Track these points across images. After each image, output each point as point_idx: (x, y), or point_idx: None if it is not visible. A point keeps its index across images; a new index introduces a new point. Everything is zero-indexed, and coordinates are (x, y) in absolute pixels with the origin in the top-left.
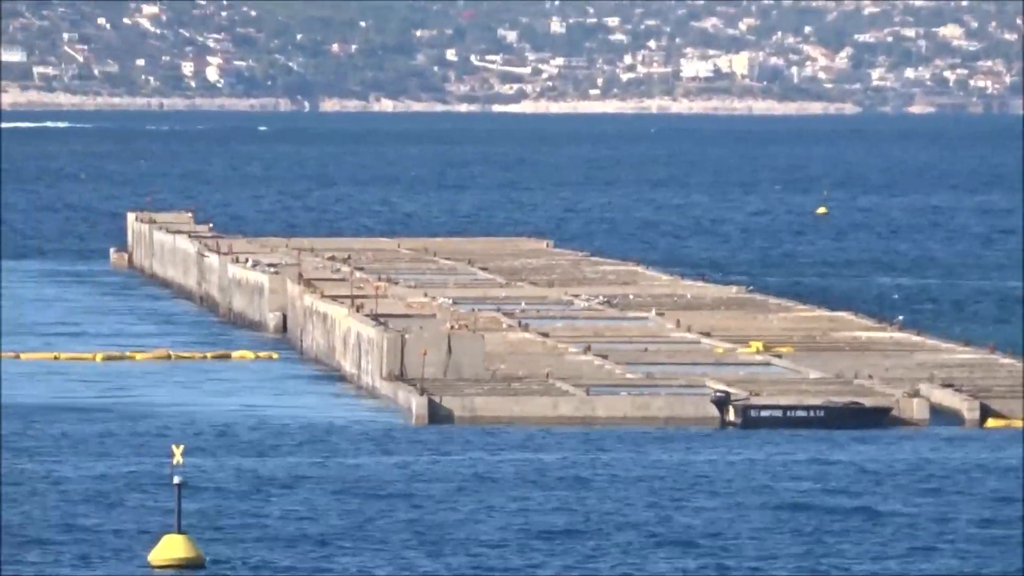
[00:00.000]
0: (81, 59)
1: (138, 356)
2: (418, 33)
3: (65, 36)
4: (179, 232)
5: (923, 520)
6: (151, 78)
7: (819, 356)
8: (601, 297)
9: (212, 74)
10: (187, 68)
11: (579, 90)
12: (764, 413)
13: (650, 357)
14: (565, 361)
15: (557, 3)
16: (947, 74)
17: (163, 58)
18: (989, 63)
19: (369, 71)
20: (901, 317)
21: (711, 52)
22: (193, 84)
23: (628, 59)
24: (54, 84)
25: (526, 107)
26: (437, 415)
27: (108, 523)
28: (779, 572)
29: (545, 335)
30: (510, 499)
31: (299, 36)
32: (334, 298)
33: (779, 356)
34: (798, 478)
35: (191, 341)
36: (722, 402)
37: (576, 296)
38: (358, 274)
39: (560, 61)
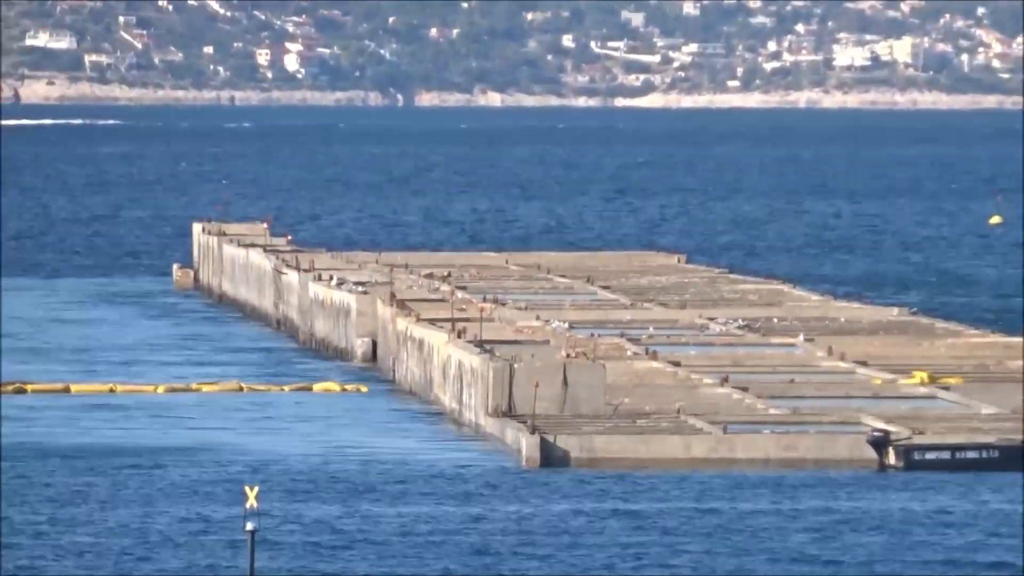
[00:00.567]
0: (139, 46)
1: (205, 388)
2: (529, 16)
3: (121, 20)
4: (253, 246)
5: None
6: (220, 68)
7: (993, 388)
8: (741, 320)
9: (291, 63)
10: (262, 57)
11: (715, 81)
12: (929, 455)
13: (797, 390)
14: (699, 394)
15: None
16: None
17: (234, 45)
18: None
19: (473, 60)
20: None
21: (868, 37)
22: (269, 75)
23: (773, 46)
24: (108, 75)
25: (654, 101)
26: (551, 457)
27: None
28: None
29: (676, 364)
30: (647, 556)
31: (392, 20)
32: (432, 322)
33: (947, 388)
34: (968, 529)
35: (266, 371)
36: (881, 442)
37: (712, 319)
38: (460, 294)
39: (694, 48)
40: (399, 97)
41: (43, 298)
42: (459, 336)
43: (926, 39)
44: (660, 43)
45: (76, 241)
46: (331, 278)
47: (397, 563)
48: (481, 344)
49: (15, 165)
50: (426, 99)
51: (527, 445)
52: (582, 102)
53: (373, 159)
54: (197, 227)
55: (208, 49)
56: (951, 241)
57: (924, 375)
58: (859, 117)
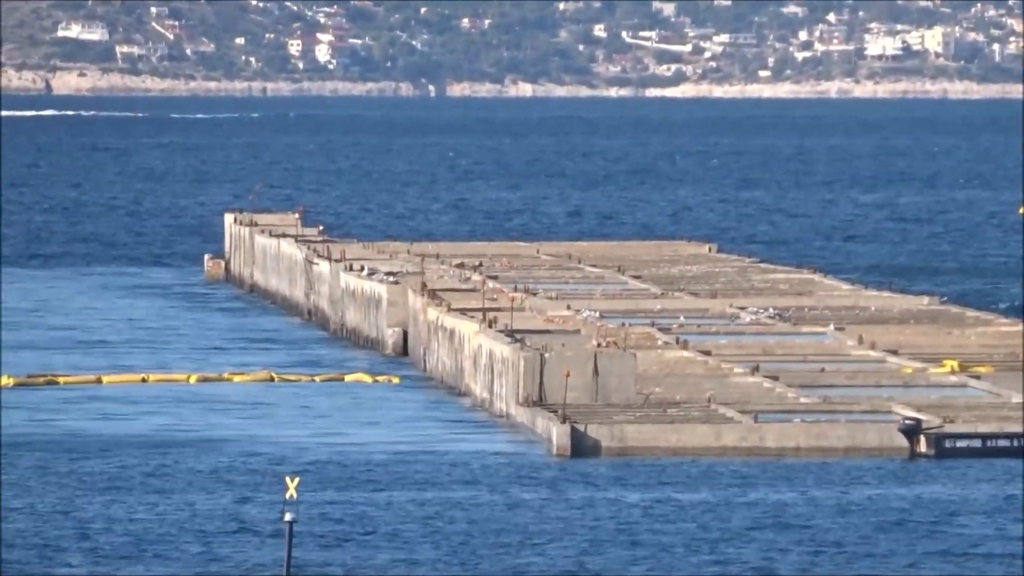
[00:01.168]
0: (171, 37)
1: (236, 378)
2: (561, 6)
3: (153, 11)
4: (284, 236)
5: None
6: (252, 59)
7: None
8: (771, 310)
9: (322, 54)
10: (294, 48)
11: (747, 71)
12: (961, 443)
13: (828, 379)
14: (730, 383)
15: None
16: None
17: (266, 36)
18: None
19: (504, 50)
20: None
21: (899, 27)
22: (301, 66)
23: (804, 35)
24: (140, 66)
25: (686, 91)
26: (581, 446)
27: (211, 566)
28: None
29: (707, 353)
30: (681, 549)
31: (423, 10)
32: (463, 312)
33: (977, 377)
34: (999, 516)
35: (297, 361)
36: (912, 430)
37: (743, 309)
38: (491, 284)
39: (725, 38)
40: (430, 88)
41: (75, 288)
42: (490, 326)
43: (957, 28)
44: (691, 33)
45: (107, 232)
46: (362, 268)
47: (428, 551)
48: (512, 334)
49: (45, 156)
50: (457, 89)
51: (558, 434)
52: (613, 92)
53: (406, 148)
54: (229, 217)
55: (240, 40)
56: (980, 230)
57: (954, 364)
58: (889, 107)
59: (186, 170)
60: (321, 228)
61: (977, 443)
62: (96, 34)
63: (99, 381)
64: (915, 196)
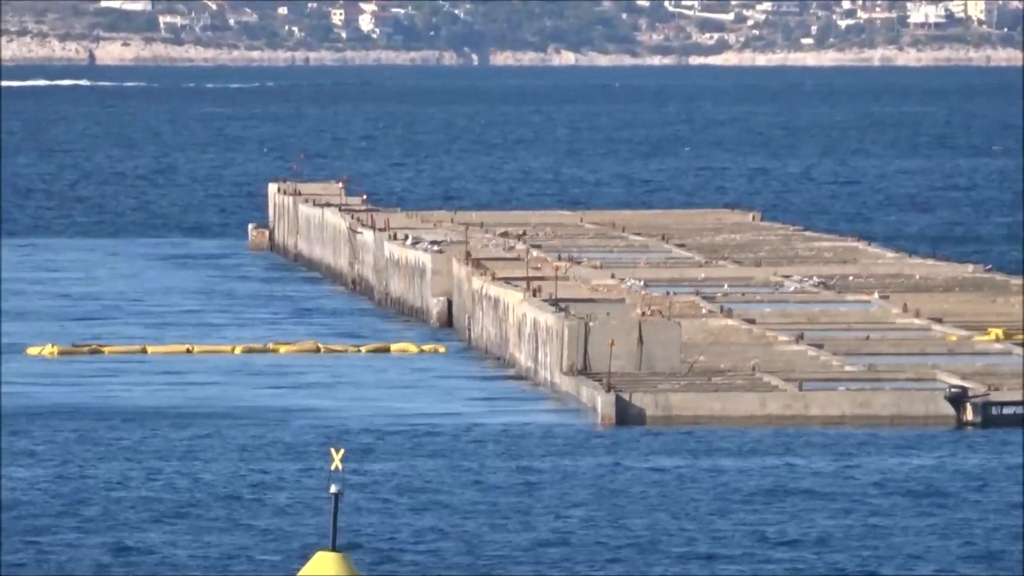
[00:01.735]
0: (214, 7)
1: (282, 349)
2: None
3: None
4: (328, 205)
5: None
6: (295, 29)
7: None
8: (816, 278)
9: (365, 23)
10: (336, 17)
11: (790, 39)
12: (1008, 410)
13: (872, 347)
14: (774, 352)
15: None
16: None
17: (309, 5)
18: None
19: (547, 19)
20: None
21: None
22: (344, 35)
23: (847, 3)
24: (183, 36)
25: (728, 59)
26: (626, 415)
27: (256, 538)
28: None
29: (751, 322)
30: (723, 512)
31: None
32: (507, 280)
33: (1021, 344)
34: None
35: (342, 331)
36: (958, 398)
37: (787, 277)
38: (535, 252)
39: (768, 6)
40: (474, 57)
41: (118, 258)
42: (534, 295)
43: None
44: (734, 1)
45: (150, 202)
46: (406, 237)
47: (475, 521)
48: (556, 303)
49: (83, 125)
50: (500, 59)
51: (603, 403)
52: (656, 61)
53: (451, 117)
54: (272, 187)
55: (282, 9)
56: None
57: (999, 331)
58: (932, 75)
59: (228, 139)
60: (365, 197)
61: (1023, 410)
62: (139, 4)
63: (144, 351)
64: (958, 161)
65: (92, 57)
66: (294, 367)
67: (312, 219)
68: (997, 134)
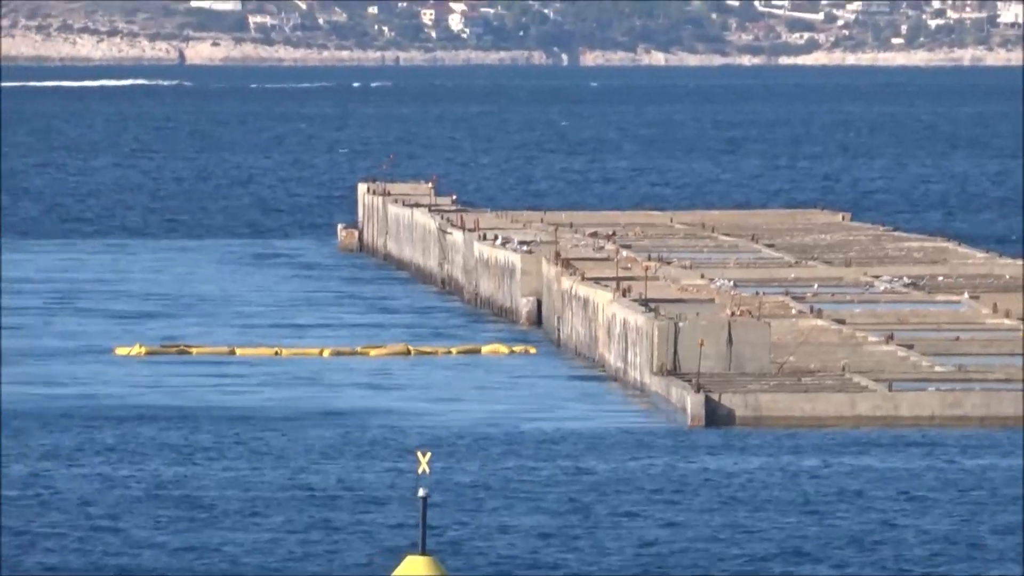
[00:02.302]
0: (304, 7)
1: (372, 352)
2: None
3: None
4: (418, 205)
5: None
6: (385, 28)
7: None
8: (906, 278)
9: (455, 23)
10: (427, 16)
11: (879, 39)
12: None
13: (962, 347)
14: (864, 352)
15: None
16: None
17: (399, 5)
18: None
19: (637, 19)
20: None
21: None
22: (433, 35)
23: (937, 3)
24: (273, 36)
25: (818, 58)
26: (716, 415)
27: (346, 540)
28: None
29: (841, 322)
30: (820, 520)
31: None
32: (597, 281)
33: None
34: None
35: (432, 332)
36: None
37: (877, 277)
38: (624, 253)
39: (858, 5)
40: (563, 56)
41: (207, 259)
42: (624, 295)
43: None
44: (824, 1)
45: (238, 202)
46: (496, 237)
47: (568, 520)
48: (646, 303)
49: (166, 125)
50: (590, 58)
51: (692, 403)
52: (746, 60)
53: (539, 117)
54: (362, 187)
55: (372, 9)
56: None
57: None
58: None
59: (316, 140)
60: (455, 197)
61: None
62: (229, 4)
63: (232, 352)
64: None
65: (182, 57)
66: (385, 369)
67: (402, 219)
68: None
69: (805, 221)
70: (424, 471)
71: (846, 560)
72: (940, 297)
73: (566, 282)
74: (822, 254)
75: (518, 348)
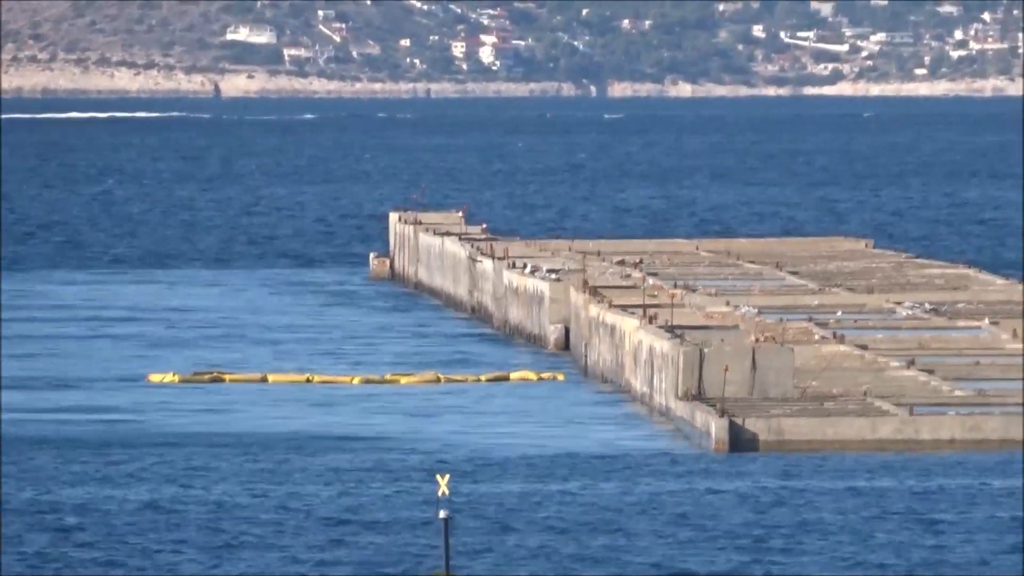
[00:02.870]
0: (338, 39)
1: (402, 379)
2: (720, 7)
3: (320, 14)
4: (448, 234)
5: None
6: (417, 61)
7: None
8: (927, 305)
9: (486, 55)
10: (458, 49)
11: (903, 70)
12: None
13: (983, 372)
14: (886, 377)
15: None
16: None
17: (431, 38)
18: None
19: (665, 50)
20: None
21: None
22: (464, 67)
23: (959, 34)
24: (307, 68)
25: (843, 89)
26: (739, 440)
27: (372, 561)
28: None
29: (863, 347)
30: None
31: (585, 11)
32: (623, 308)
33: None
34: None
35: (462, 359)
36: None
37: (899, 303)
38: (651, 280)
39: (881, 37)
40: (592, 88)
41: (241, 287)
42: (650, 322)
43: None
44: (849, 32)
45: (270, 230)
46: (525, 266)
47: (590, 544)
48: (672, 329)
49: (198, 157)
50: (619, 89)
51: (716, 428)
52: (772, 91)
53: (569, 146)
54: (393, 216)
55: (404, 42)
56: None
57: None
58: None
59: (345, 170)
60: (484, 226)
61: None
62: (264, 37)
63: (264, 380)
64: None
65: (217, 89)
66: (414, 397)
67: (432, 248)
68: None
69: (828, 248)
70: (444, 493)
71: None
72: (961, 323)
73: (593, 309)
74: (845, 281)
75: (546, 375)
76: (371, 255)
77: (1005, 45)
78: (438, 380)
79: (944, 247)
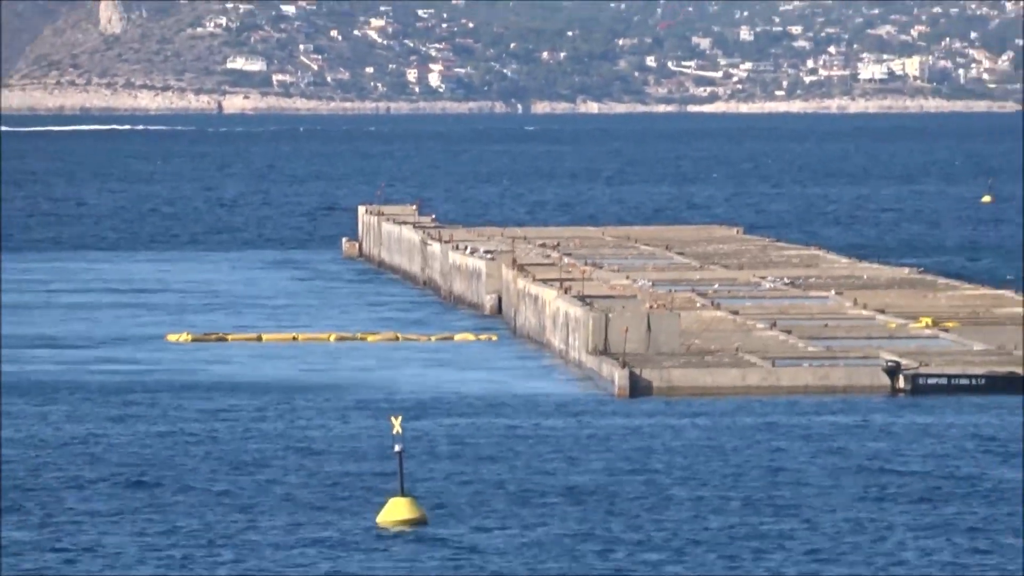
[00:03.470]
0: (315, 67)
1: (369, 337)
2: (620, 41)
3: (301, 47)
4: (405, 223)
5: None
6: (379, 84)
7: (982, 330)
8: (786, 279)
9: (434, 80)
10: (411, 75)
11: (766, 92)
12: (931, 381)
13: (830, 332)
14: (753, 336)
15: (746, 13)
16: None
17: (390, 66)
18: None
19: (576, 76)
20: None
21: (886, 56)
22: (417, 89)
23: (810, 63)
24: (291, 90)
25: (718, 107)
26: (638, 387)
27: (341, 483)
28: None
29: (735, 313)
30: (720, 465)
31: (513, 45)
32: (545, 281)
33: (946, 330)
34: (961, 440)
35: (415, 322)
36: (894, 371)
37: (763, 278)
38: (566, 259)
39: (749, 65)
40: (519, 106)
41: (237, 265)
42: (566, 292)
43: (931, 57)
44: (723, 62)
45: (259, 221)
46: (466, 248)
47: (515, 464)
48: (583, 298)
49: (210, 162)
50: (540, 107)
51: (619, 377)
52: (662, 109)
53: (500, 154)
54: (361, 209)
55: (369, 69)
56: (952, 215)
57: (929, 320)
58: (877, 119)
59: (322, 172)
60: (433, 217)
61: (944, 381)
62: (257, 65)
63: (259, 339)
64: (894, 188)
65: (220, 107)
66: (378, 351)
67: (392, 234)
68: (919, 166)
69: (707, 234)
70: (397, 431)
71: (731, 484)
72: (812, 293)
73: (521, 282)
74: (720, 260)
75: (483, 336)
76: (343, 239)
77: (847, 72)
78: (397, 339)
79: (799, 232)
